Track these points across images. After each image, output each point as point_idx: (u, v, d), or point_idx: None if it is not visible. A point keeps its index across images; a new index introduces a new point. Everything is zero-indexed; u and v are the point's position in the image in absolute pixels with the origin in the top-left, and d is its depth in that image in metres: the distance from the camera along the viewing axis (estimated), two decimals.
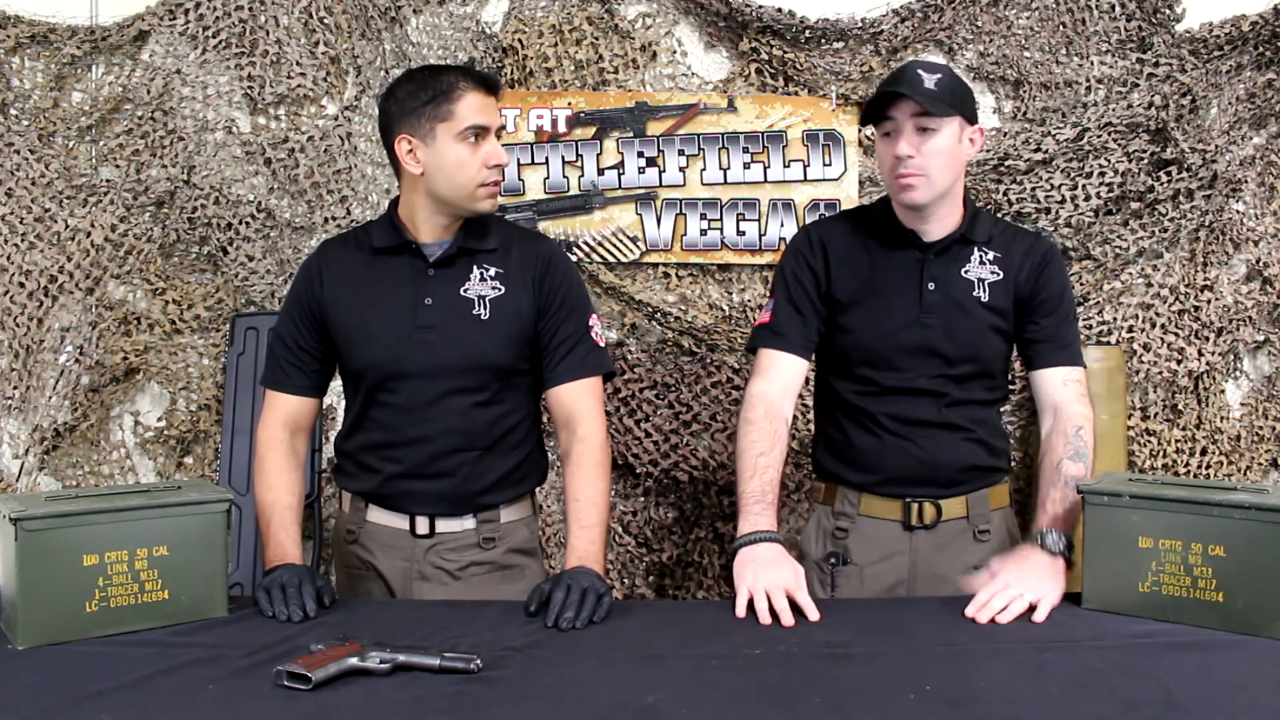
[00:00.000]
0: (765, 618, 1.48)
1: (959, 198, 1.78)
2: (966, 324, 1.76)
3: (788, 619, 1.47)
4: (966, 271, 1.77)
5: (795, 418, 2.68)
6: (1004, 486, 1.87)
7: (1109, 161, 2.70)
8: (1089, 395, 1.79)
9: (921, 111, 1.65)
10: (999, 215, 2.73)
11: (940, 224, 1.77)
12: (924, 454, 1.77)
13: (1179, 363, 2.76)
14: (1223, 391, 2.81)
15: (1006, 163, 2.70)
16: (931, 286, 1.76)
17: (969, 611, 1.51)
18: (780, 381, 1.80)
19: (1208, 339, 2.76)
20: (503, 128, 1.70)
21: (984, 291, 1.76)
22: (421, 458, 1.74)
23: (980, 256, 1.78)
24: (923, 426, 1.77)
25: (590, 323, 1.80)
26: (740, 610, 1.51)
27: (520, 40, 2.75)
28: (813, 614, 1.49)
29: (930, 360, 1.76)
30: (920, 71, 1.67)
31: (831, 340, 1.83)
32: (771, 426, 1.75)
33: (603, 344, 1.82)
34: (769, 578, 1.54)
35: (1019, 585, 1.53)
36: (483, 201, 1.70)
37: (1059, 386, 1.77)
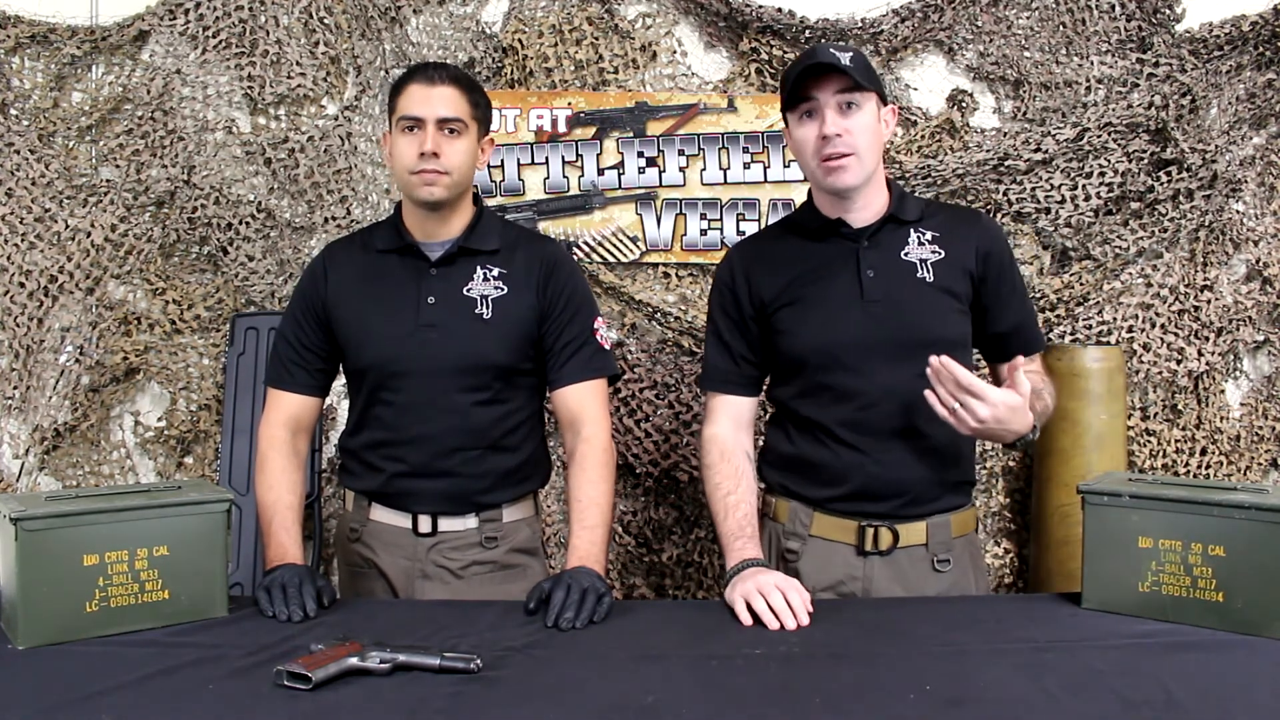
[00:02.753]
0: (770, 619, 1.47)
1: (882, 181, 1.71)
2: (914, 308, 1.64)
3: (790, 620, 1.46)
4: (906, 254, 1.67)
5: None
6: (970, 512, 1.75)
7: (1109, 161, 2.70)
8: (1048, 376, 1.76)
9: (844, 88, 1.59)
10: (999, 215, 2.74)
11: (867, 209, 1.69)
12: (882, 469, 1.65)
13: (1179, 363, 2.76)
14: (1223, 391, 2.81)
15: (1006, 163, 2.70)
16: (871, 273, 1.66)
17: (933, 361, 1.50)
18: (729, 421, 1.77)
19: (1208, 339, 2.76)
20: (452, 119, 1.70)
21: (928, 272, 1.66)
22: (424, 456, 1.74)
23: (918, 237, 1.68)
24: (881, 436, 1.65)
25: (595, 325, 1.80)
26: (744, 619, 1.49)
27: (520, 40, 2.75)
28: (804, 617, 1.47)
29: (881, 352, 1.64)
30: (833, 50, 1.61)
31: (775, 347, 1.73)
32: (731, 465, 1.72)
33: (608, 346, 1.82)
34: (760, 579, 1.53)
35: (987, 414, 1.48)
36: (418, 189, 1.71)
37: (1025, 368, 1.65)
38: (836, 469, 1.68)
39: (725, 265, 1.80)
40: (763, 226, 2.73)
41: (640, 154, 2.76)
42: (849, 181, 1.63)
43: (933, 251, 1.67)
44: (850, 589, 1.69)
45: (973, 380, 1.48)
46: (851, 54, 1.61)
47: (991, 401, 1.48)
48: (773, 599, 1.49)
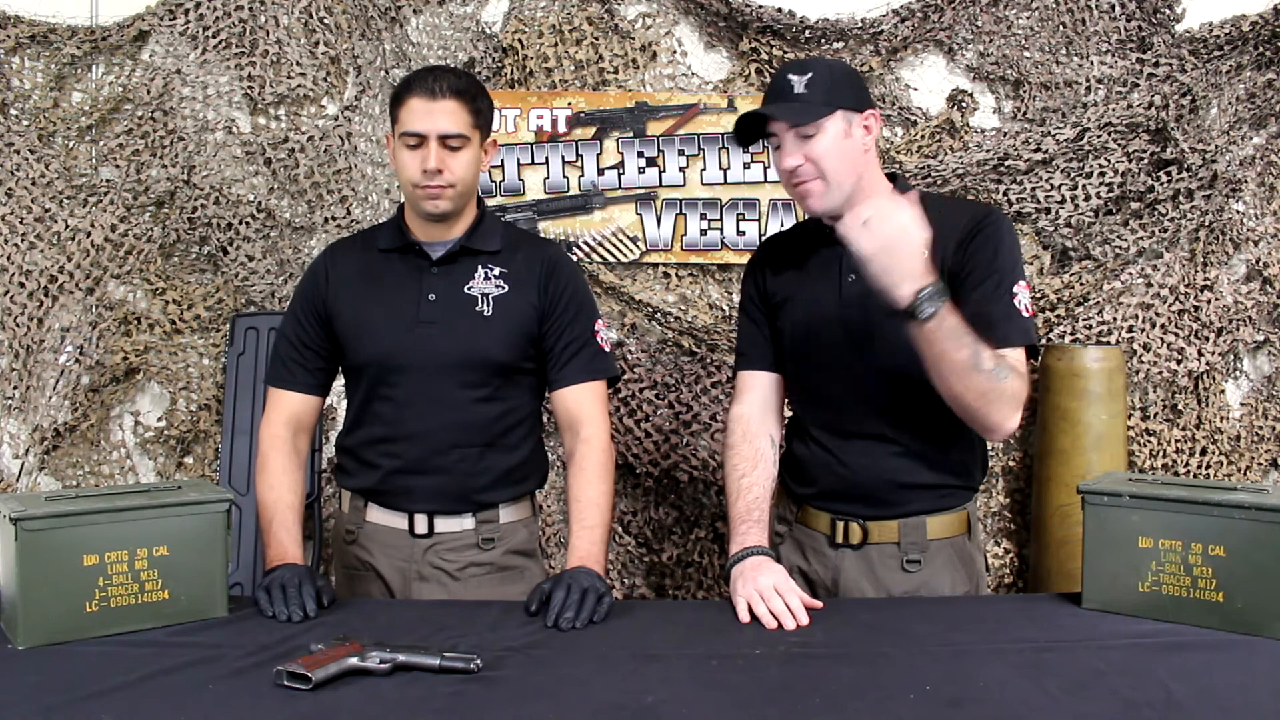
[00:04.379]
0: (769, 620, 1.48)
1: (874, 186, 1.67)
2: (888, 312, 1.55)
3: (789, 621, 1.47)
4: None
5: None
6: (957, 515, 1.70)
7: (1109, 161, 2.70)
8: (1025, 375, 1.57)
9: (794, 122, 1.59)
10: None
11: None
12: (847, 470, 1.67)
13: (1179, 363, 2.76)
14: (1223, 391, 2.81)
15: (1006, 163, 2.70)
16: (851, 278, 1.65)
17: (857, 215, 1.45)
18: (757, 400, 1.78)
19: (1208, 339, 2.76)
20: (455, 136, 1.68)
21: None
22: (421, 452, 1.75)
23: None
24: (848, 438, 1.67)
25: (595, 326, 1.81)
26: (743, 616, 1.51)
27: (520, 40, 2.75)
28: (803, 617, 1.48)
29: (854, 355, 1.65)
30: (790, 76, 1.59)
31: (777, 344, 1.78)
32: (752, 447, 1.74)
33: (608, 349, 1.83)
34: (760, 581, 1.54)
35: (899, 222, 1.42)
36: (423, 203, 1.71)
37: None
38: (811, 467, 1.73)
39: (751, 261, 1.86)
40: (762, 227, 2.74)
41: (640, 154, 2.76)
42: (815, 207, 1.64)
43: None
44: (821, 578, 1.73)
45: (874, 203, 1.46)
46: (810, 74, 1.59)
47: (901, 218, 1.44)
48: (772, 604, 1.50)
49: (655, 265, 2.81)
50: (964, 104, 2.79)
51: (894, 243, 1.43)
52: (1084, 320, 2.75)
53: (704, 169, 2.76)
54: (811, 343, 1.70)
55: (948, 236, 1.61)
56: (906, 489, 1.67)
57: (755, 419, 1.77)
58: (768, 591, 1.51)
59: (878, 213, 1.44)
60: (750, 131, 1.67)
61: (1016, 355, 1.58)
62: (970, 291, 1.59)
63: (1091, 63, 2.74)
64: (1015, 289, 1.60)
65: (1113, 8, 2.74)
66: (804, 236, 1.80)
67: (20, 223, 2.73)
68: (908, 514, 1.68)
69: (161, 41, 2.76)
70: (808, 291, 1.72)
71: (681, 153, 2.76)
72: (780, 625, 1.47)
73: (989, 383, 1.49)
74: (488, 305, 1.75)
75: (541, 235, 2.69)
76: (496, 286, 1.77)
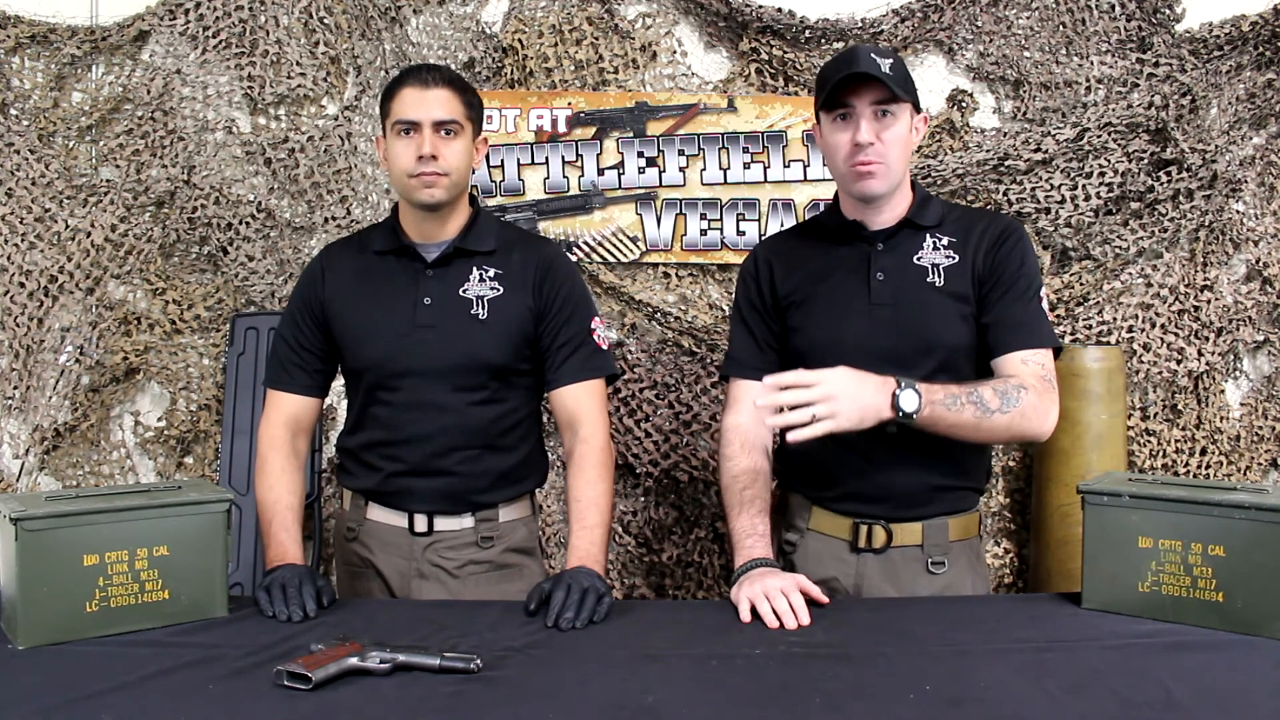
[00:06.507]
0: (770, 619, 1.47)
1: (907, 186, 1.71)
2: (919, 312, 1.64)
3: (790, 620, 1.46)
4: (919, 258, 1.67)
5: None
6: (972, 517, 1.73)
7: (1109, 161, 2.70)
8: (1055, 381, 1.64)
9: (881, 99, 1.59)
10: (999, 213, 2.73)
11: (890, 212, 1.69)
12: (876, 471, 1.65)
13: (1179, 363, 2.76)
14: (1223, 391, 2.81)
15: (1006, 163, 2.70)
16: (880, 276, 1.67)
17: (766, 383, 1.48)
18: (749, 409, 1.76)
19: (1208, 339, 2.76)
20: (448, 121, 1.70)
21: (938, 276, 1.66)
22: (421, 455, 1.75)
23: (934, 242, 1.68)
24: (876, 438, 1.59)
25: (592, 325, 1.81)
26: (745, 616, 1.50)
27: (520, 40, 2.75)
28: (804, 616, 1.47)
29: (884, 355, 1.62)
30: (874, 56, 1.59)
31: (788, 344, 1.76)
32: (751, 459, 1.71)
33: (606, 347, 1.82)
34: (768, 582, 1.53)
35: (830, 388, 1.45)
36: (417, 192, 1.71)
37: (1016, 367, 1.61)
38: (833, 468, 1.70)
39: (750, 259, 1.83)
40: (762, 227, 2.74)
41: (640, 154, 2.76)
42: (876, 189, 1.64)
43: (947, 256, 1.67)
44: (843, 585, 1.71)
45: (788, 376, 1.48)
46: (891, 60, 1.60)
47: (820, 376, 1.47)
48: (776, 602, 1.49)
49: (655, 265, 2.80)
50: (964, 104, 2.79)
51: (837, 388, 1.46)
52: (1084, 320, 2.75)
53: (704, 169, 2.76)
54: (836, 342, 1.67)
55: (976, 244, 1.67)
56: (932, 490, 1.67)
57: (751, 430, 1.74)
58: (773, 591, 1.51)
59: (803, 386, 1.46)
60: (830, 96, 1.63)
61: (1044, 356, 1.64)
62: (1000, 295, 1.65)
63: (1091, 63, 2.74)
64: (1040, 294, 1.67)
65: (1113, 8, 2.74)
66: (819, 235, 1.78)
67: (20, 223, 2.73)
68: (930, 515, 1.68)
69: (161, 41, 2.76)
70: (832, 290, 1.70)
71: (681, 153, 2.76)
72: (781, 624, 1.46)
73: (1006, 417, 1.54)
74: (482, 308, 1.75)
75: (540, 235, 2.69)
76: (491, 289, 1.77)
